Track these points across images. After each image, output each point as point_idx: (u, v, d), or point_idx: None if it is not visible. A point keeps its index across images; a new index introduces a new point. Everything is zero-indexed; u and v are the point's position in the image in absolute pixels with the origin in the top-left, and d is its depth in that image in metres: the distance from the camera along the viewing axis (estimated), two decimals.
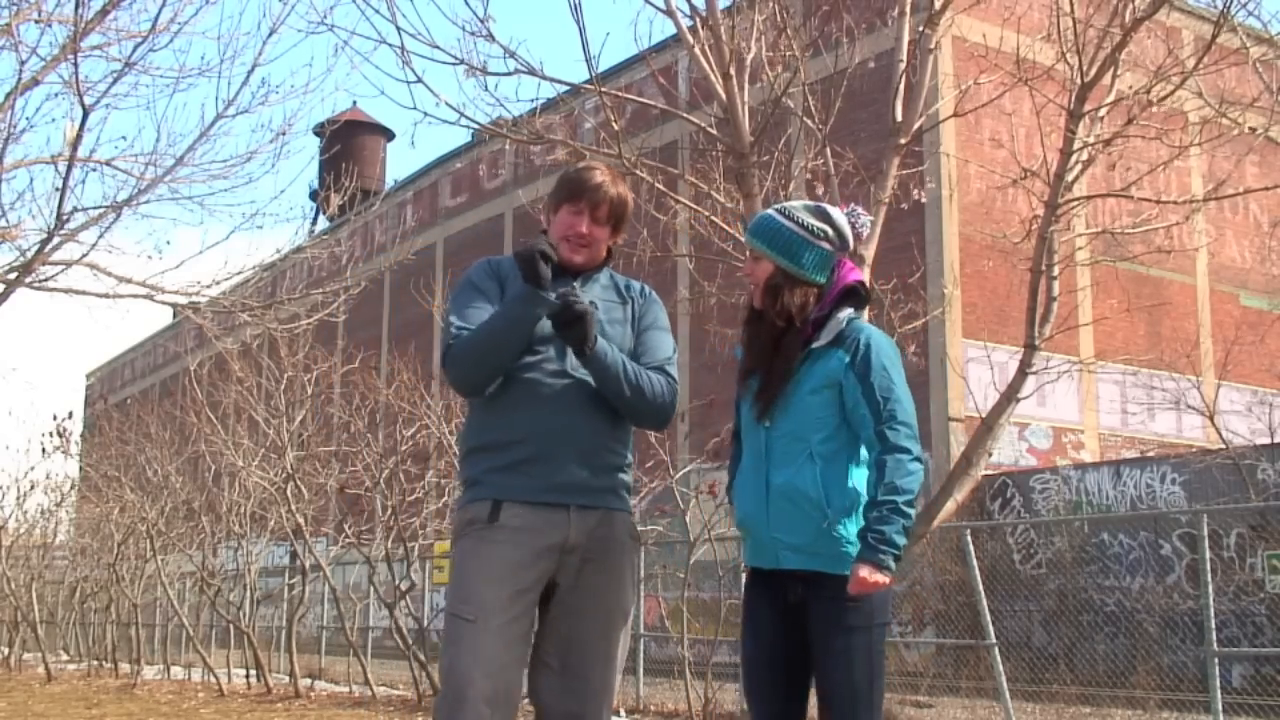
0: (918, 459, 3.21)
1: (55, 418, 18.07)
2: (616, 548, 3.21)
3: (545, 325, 3.16)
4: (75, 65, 6.72)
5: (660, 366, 3.29)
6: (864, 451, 3.29)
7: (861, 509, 3.25)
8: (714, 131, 6.84)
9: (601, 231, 3.31)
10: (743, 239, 6.39)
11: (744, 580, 3.54)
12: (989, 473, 16.98)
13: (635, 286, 3.42)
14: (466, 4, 6.46)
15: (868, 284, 5.76)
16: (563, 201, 3.30)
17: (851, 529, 3.24)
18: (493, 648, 2.99)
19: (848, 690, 3.20)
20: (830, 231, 3.38)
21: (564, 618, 3.13)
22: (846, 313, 3.35)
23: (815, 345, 3.30)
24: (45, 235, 7.12)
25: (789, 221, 3.37)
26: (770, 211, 3.47)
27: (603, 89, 6.74)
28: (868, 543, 3.13)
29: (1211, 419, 16.42)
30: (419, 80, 6.51)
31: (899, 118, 6.63)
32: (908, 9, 6.72)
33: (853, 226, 3.43)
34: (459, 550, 3.13)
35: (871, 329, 3.39)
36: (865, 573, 3.11)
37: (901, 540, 3.16)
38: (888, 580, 3.15)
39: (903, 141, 6.60)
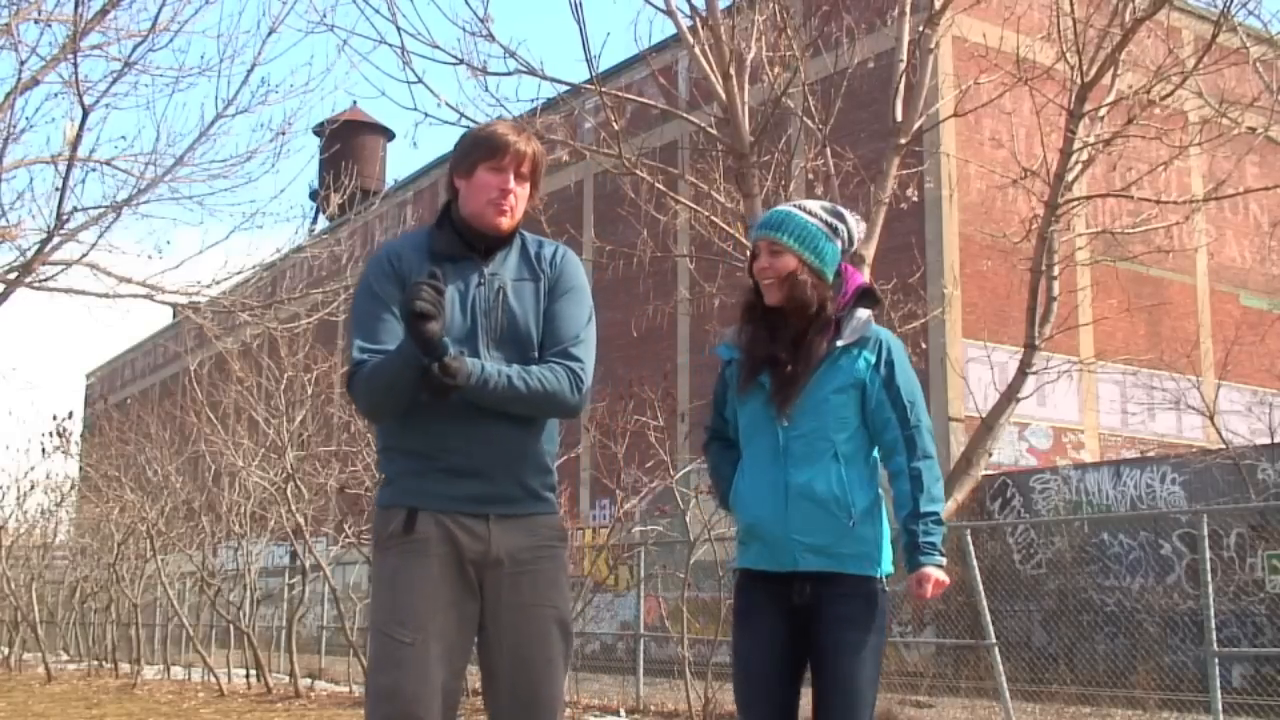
0: (937, 462, 3.30)
1: (55, 418, 18.07)
2: (544, 554, 3.07)
3: (462, 326, 3.01)
4: (75, 65, 6.73)
5: (564, 350, 3.05)
6: (876, 452, 3.33)
7: (879, 510, 3.28)
8: (714, 131, 6.83)
9: (523, 189, 3.12)
10: (744, 239, 6.38)
11: (736, 583, 3.42)
12: (989, 473, 16.98)
13: (548, 253, 3.18)
14: (467, 4, 6.47)
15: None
16: (479, 162, 3.07)
17: (870, 530, 3.24)
18: (435, 669, 2.91)
19: (855, 689, 3.19)
20: (844, 230, 3.36)
21: (507, 634, 3.02)
22: (867, 313, 3.34)
23: (840, 344, 3.27)
24: (45, 235, 7.13)
25: (811, 216, 3.35)
26: (788, 206, 3.41)
27: (603, 89, 6.74)
28: (923, 551, 3.21)
29: (1211, 419, 16.42)
30: (419, 80, 6.52)
31: (899, 118, 6.62)
32: (908, 9, 6.72)
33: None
34: (385, 566, 3.00)
35: (886, 331, 3.40)
36: (936, 578, 3.21)
37: (943, 548, 3.27)
38: (948, 580, 3.25)
39: (903, 141, 6.60)
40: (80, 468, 21.60)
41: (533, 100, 7.04)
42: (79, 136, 6.94)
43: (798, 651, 3.27)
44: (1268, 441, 16.04)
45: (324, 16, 6.78)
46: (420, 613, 2.93)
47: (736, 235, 6.70)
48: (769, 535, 3.26)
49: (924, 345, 15.36)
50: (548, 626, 3.06)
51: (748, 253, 3.44)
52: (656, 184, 7.06)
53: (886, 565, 3.30)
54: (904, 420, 3.25)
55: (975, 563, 10.32)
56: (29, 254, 7.24)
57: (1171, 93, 6.47)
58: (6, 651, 21.35)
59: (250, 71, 7.36)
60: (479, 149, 3.08)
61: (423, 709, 2.89)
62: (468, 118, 6.77)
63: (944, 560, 3.22)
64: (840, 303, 3.33)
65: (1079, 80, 6.22)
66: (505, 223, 3.09)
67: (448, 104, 6.64)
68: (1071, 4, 6.22)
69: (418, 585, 2.95)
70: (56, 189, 7.06)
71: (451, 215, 3.14)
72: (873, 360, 3.28)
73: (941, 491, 3.27)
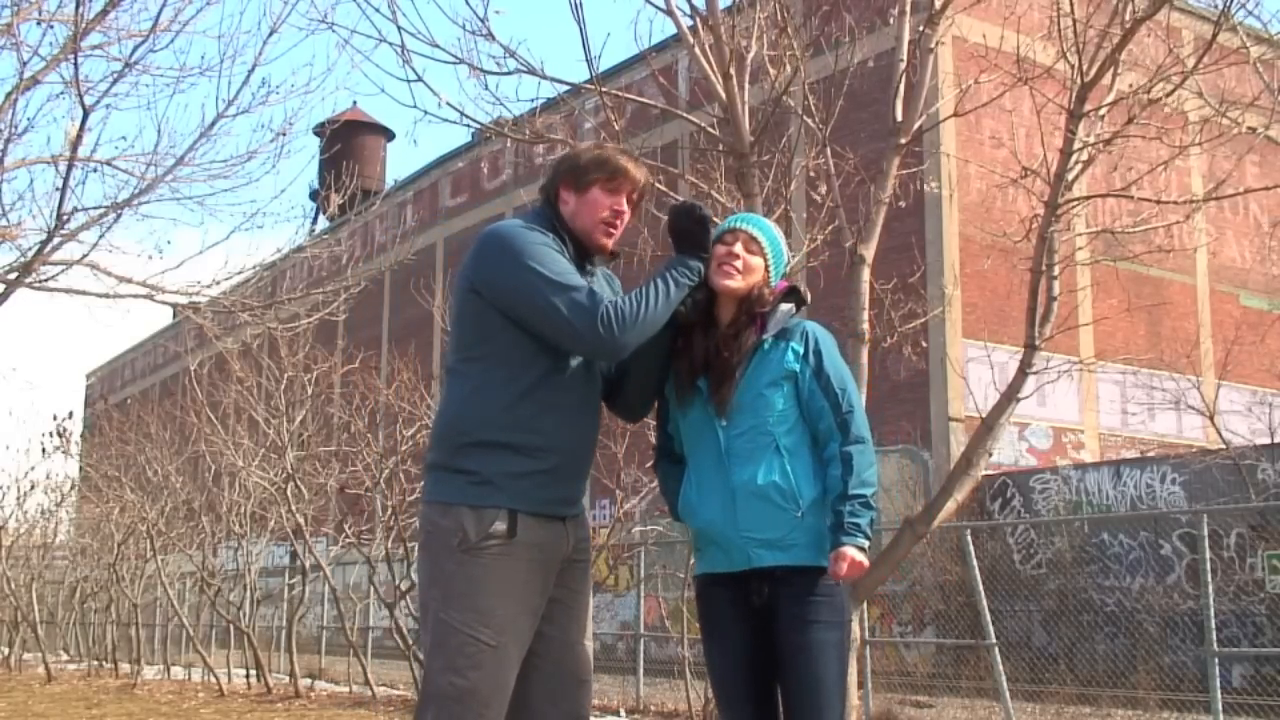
0: (871, 446, 3.33)
1: (55, 418, 18.10)
2: (588, 544, 3.28)
3: None
4: (76, 65, 6.72)
5: None
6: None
7: (827, 500, 3.29)
8: (714, 131, 6.83)
9: (629, 214, 3.23)
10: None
11: (696, 591, 3.46)
12: (989, 473, 16.98)
13: (616, 281, 3.41)
14: (467, 3, 6.46)
15: (870, 285, 5.74)
16: (596, 180, 3.17)
17: (820, 520, 3.27)
18: (511, 673, 3.00)
19: (820, 686, 3.21)
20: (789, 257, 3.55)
21: (556, 621, 3.13)
22: (789, 306, 3.41)
23: (766, 337, 3.33)
24: (45, 235, 7.12)
25: (779, 236, 3.48)
26: (773, 225, 3.52)
27: (603, 89, 6.74)
28: (847, 531, 3.20)
29: (1211, 419, 16.42)
30: (419, 79, 6.51)
31: (899, 118, 6.61)
32: (908, 9, 6.71)
33: None
34: (474, 565, 2.98)
35: (812, 322, 3.47)
36: (851, 556, 3.17)
37: (871, 528, 3.26)
38: (867, 564, 3.25)
39: (903, 141, 6.59)
40: (80, 468, 21.60)
41: (533, 100, 7.02)
42: (79, 137, 6.93)
43: (765, 653, 3.30)
44: (1268, 441, 16.04)
45: (325, 16, 6.77)
46: (507, 615, 2.98)
47: None
48: (721, 537, 3.30)
49: (924, 345, 15.36)
50: (587, 614, 3.27)
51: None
52: (657, 184, 7.05)
53: None
54: (836, 406, 3.29)
55: (975, 563, 10.33)
56: (29, 254, 7.23)
57: (1171, 92, 6.46)
58: (6, 651, 21.35)
59: (251, 72, 7.34)
60: (599, 168, 3.18)
61: (494, 713, 2.95)
62: (468, 117, 6.77)
63: (866, 543, 3.22)
64: (766, 302, 3.42)
65: (1079, 80, 6.21)
66: (610, 244, 3.22)
67: (448, 103, 6.64)
68: (1071, 4, 6.21)
69: (508, 588, 3.00)
70: (57, 189, 7.05)
71: (556, 223, 3.20)
72: (801, 351, 3.34)
73: (874, 476, 3.28)
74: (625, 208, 3.18)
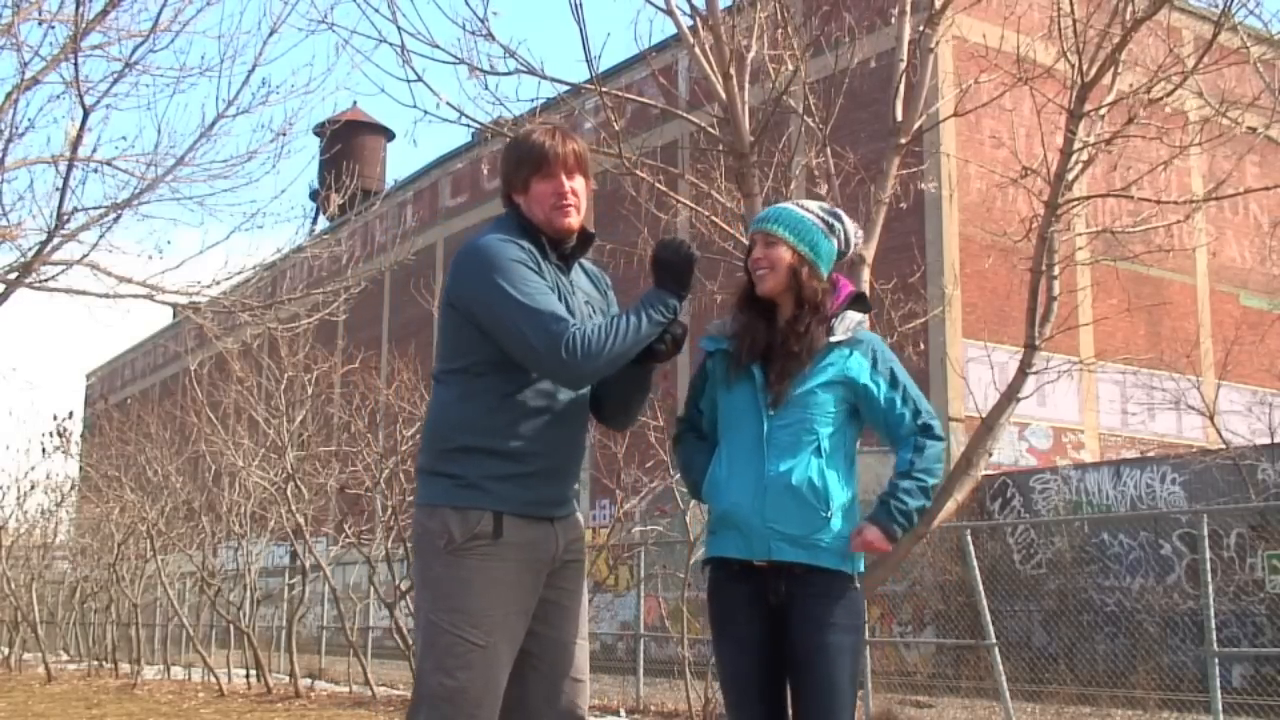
0: (943, 450, 3.36)
1: (55, 418, 18.06)
2: (581, 544, 3.29)
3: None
4: (76, 65, 6.72)
5: None
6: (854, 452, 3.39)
7: (856, 510, 3.30)
8: (714, 131, 6.83)
9: (579, 182, 3.21)
10: (743, 239, 6.38)
11: (710, 582, 3.39)
12: (989, 473, 16.97)
13: (604, 278, 3.42)
14: (466, 3, 6.45)
15: (870, 285, 5.75)
16: (530, 176, 3.18)
17: (847, 526, 3.27)
18: (502, 673, 3.01)
19: (834, 688, 3.21)
20: (841, 230, 3.45)
21: (551, 621, 3.14)
22: (861, 315, 3.42)
23: (832, 340, 3.33)
24: (45, 235, 7.12)
25: (807, 212, 3.44)
26: (785, 204, 3.50)
27: (603, 89, 6.73)
28: (889, 508, 3.24)
29: (1211, 419, 16.43)
30: (419, 79, 6.51)
31: (899, 117, 6.62)
32: (908, 9, 6.71)
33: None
34: (462, 567, 3.02)
35: (875, 335, 3.48)
36: (873, 536, 3.22)
37: (916, 518, 3.28)
38: (888, 549, 3.28)
39: (903, 141, 6.59)
40: (80, 468, 21.60)
41: (533, 100, 7.02)
42: (80, 137, 6.93)
43: (779, 652, 3.29)
44: (1268, 441, 16.05)
45: (324, 16, 6.76)
46: (495, 616, 3.00)
47: (737, 235, 6.70)
48: (745, 523, 3.28)
49: (924, 345, 15.34)
50: (583, 614, 3.26)
51: (746, 249, 3.51)
52: (656, 184, 7.05)
53: (860, 563, 3.33)
54: (917, 413, 3.34)
55: (975, 563, 10.32)
56: (29, 254, 7.23)
57: (1171, 92, 6.46)
58: (6, 651, 21.35)
59: (251, 72, 7.34)
60: (526, 164, 3.19)
61: (485, 713, 2.97)
62: (468, 117, 6.76)
63: (900, 527, 3.25)
64: (834, 304, 3.40)
65: (1079, 80, 6.21)
66: (573, 221, 3.21)
67: (448, 103, 6.63)
68: (1071, 4, 6.21)
69: (496, 589, 3.02)
70: (57, 189, 7.05)
71: (526, 224, 3.21)
72: (867, 363, 3.34)
73: (938, 469, 3.31)
74: (568, 184, 3.18)
